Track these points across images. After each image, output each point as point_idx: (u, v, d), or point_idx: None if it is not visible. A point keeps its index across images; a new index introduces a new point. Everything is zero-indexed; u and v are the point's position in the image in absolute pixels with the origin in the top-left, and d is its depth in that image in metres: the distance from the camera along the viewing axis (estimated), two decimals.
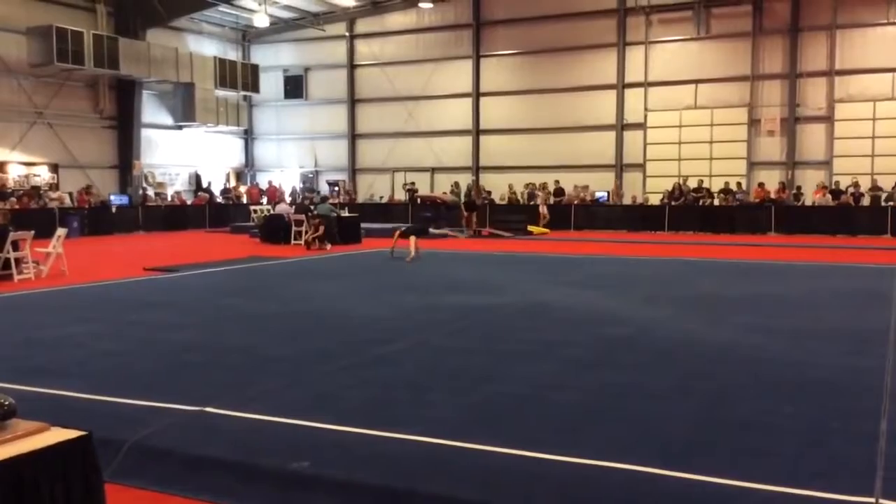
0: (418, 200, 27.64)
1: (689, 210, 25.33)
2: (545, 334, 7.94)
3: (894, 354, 6.85)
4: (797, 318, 8.88)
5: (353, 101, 33.70)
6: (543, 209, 26.29)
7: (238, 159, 35.93)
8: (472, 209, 24.73)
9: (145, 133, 30.00)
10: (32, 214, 22.55)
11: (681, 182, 26.41)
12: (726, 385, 5.88)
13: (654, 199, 26.70)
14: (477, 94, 31.13)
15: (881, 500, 3.72)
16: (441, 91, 31.65)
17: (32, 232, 13.64)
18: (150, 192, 29.46)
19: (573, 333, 7.98)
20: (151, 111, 30.67)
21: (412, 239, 15.64)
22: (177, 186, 31.69)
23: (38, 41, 25.03)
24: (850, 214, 23.45)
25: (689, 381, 6.02)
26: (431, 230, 15.86)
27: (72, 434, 3.24)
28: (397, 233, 16.36)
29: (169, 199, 29.58)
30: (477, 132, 31.32)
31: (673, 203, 25.65)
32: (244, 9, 31.47)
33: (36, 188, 25.70)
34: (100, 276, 12.98)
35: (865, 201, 24.30)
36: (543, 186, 27.99)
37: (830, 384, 5.90)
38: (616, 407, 5.31)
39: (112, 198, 26.85)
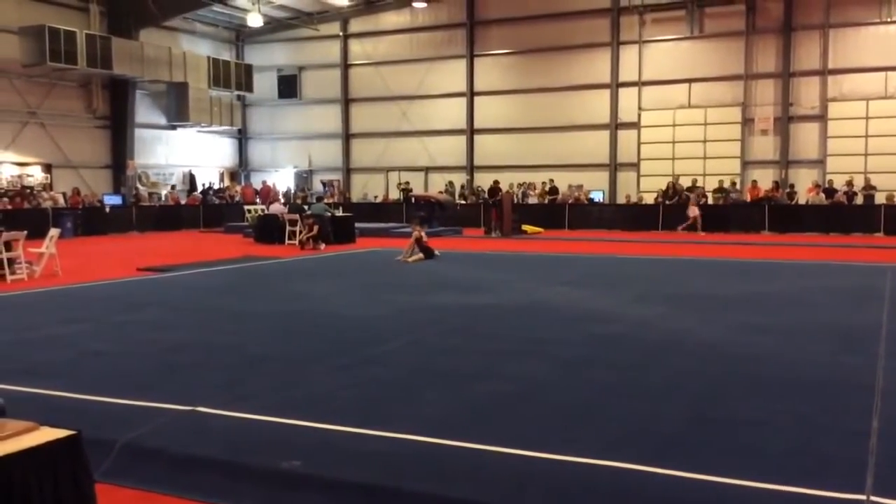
0: (412, 200, 27.66)
1: (682, 209, 25.33)
2: (537, 333, 7.95)
3: (886, 352, 6.88)
4: (789, 316, 8.91)
5: (346, 101, 33.69)
6: (694, 210, 23.58)
7: (232, 159, 35.88)
8: (497, 206, 23.72)
9: (139, 133, 29.94)
10: (25, 214, 22.48)
11: (674, 181, 26.44)
12: (717, 383, 5.90)
13: (648, 199, 26.72)
14: (471, 94, 31.15)
15: (872, 498, 3.73)
16: (435, 90, 31.65)
17: (25, 232, 13.60)
18: (144, 191, 29.37)
19: (565, 332, 7.99)
20: (145, 111, 30.61)
21: (420, 254, 15.51)
22: (170, 187, 31.63)
23: (30, 41, 24.94)
24: (843, 213, 23.51)
25: (680, 378, 6.03)
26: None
27: (61, 433, 3.23)
28: (417, 233, 15.84)
29: (163, 199, 29.53)
30: (471, 131, 31.34)
31: (667, 202, 25.67)
32: (238, 8, 31.42)
33: (28, 188, 25.61)
34: (93, 277, 12.95)
35: (859, 200, 24.37)
36: (695, 185, 25.37)
37: (822, 382, 5.92)
38: (607, 405, 5.32)
39: (105, 198, 26.77)
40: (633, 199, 27.09)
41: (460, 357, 6.85)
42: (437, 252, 16.05)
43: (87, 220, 24.54)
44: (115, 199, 26.99)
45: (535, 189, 28.28)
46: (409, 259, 15.33)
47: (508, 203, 23.88)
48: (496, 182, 27.08)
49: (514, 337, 7.75)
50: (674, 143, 27.77)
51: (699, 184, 26.38)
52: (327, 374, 6.25)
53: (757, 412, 5.11)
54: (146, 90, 30.52)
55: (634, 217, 25.60)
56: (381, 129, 32.87)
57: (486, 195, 27.40)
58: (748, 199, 25.42)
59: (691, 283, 12.06)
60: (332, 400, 5.45)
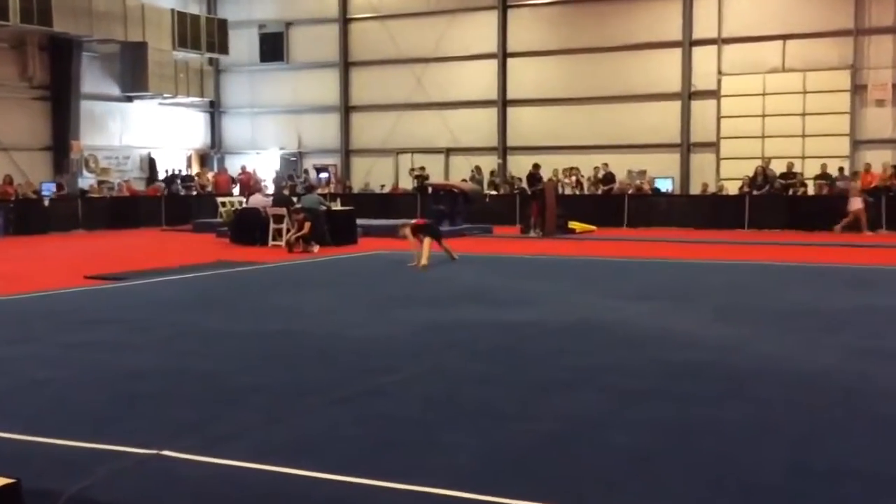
0: (430, 190, 27.70)
1: (774, 201, 25.19)
2: (590, 359, 7.97)
3: None
4: None
5: (346, 65, 33.83)
6: (857, 203, 23.20)
7: (202, 139, 36.14)
8: (538, 198, 23.90)
9: (86, 106, 30.22)
10: None
11: (764, 166, 26.29)
12: (823, 424, 5.88)
13: (731, 188, 26.60)
14: (503, 55, 31.16)
15: None
16: (458, 51, 31.71)
17: None
18: (91, 181, 29.62)
19: (626, 358, 8.01)
20: (93, 79, 30.89)
21: (426, 240, 15.59)
22: (127, 173, 31.85)
23: None
24: None
25: (774, 417, 6.03)
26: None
27: None
28: (408, 228, 16.06)
29: (115, 189, 29.79)
30: (503, 103, 31.35)
31: (755, 192, 25.53)
32: None
33: None
34: (30, 287, 13.10)
35: None
36: (856, 175, 25.04)
37: None
38: (679, 451, 5.32)
39: (44, 187, 27.05)
40: (712, 189, 26.96)
41: (492, 389, 6.87)
42: (455, 256, 16.08)
43: (21, 215, 24.84)
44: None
45: (571, 176, 28.14)
46: (424, 262, 15.36)
47: (552, 194, 23.87)
48: (536, 167, 27.06)
49: (561, 364, 7.76)
50: (763, 116, 27.60)
51: (796, 168, 26.22)
52: (324, 409, 6.29)
53: (871, 462, 5.08)
54: (95, 52, 30.81)
55: (713, 211, 25.54)
56: (389, 100, 32.97)
57: (525, 184, 27.38)
58: (860, 189, 25.19)
59: (788, 295, 12.01)
60: (331, 442, 5.49)
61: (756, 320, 9.89)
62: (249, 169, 33.36)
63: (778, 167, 26.30)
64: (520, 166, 30.09)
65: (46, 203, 26.03)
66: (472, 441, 5.51)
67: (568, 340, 8.96)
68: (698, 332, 9.22)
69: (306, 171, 33.50)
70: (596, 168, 28.45)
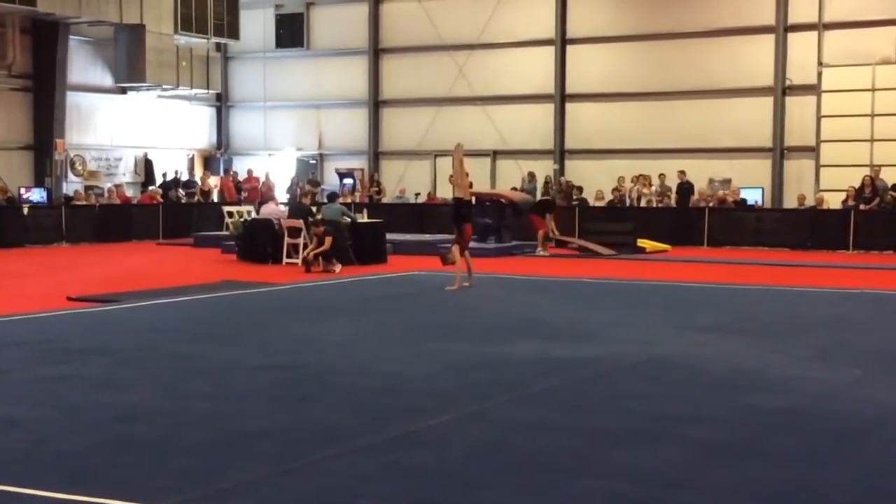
0: (473, 200, 27.68)
1: (886, 218, 24.89)
2: (663, 405, 7.91)
3: None
4: None
5: (376, 53, 33.97)
6: None
7: (207, 138, 36.40)
8: (549, 210, 24.39)
9: (72, 98, 30.54)
10: None
11: (873, 175, 26.01)
12: None
13: (833, 201, 26.32)
14: (562, 42, 31.13)
15: None
16: (508, 37, 31.73)
17: None
18: (77, 185, 29.93)
19: (707, 404, 7.96)
20: (82, 67, 31.22)
21: (466, 253, 15.59)
22: (118, 177, 32.13)
23: None
24: None
25: (886, 481, 5.94)
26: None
27: None
28: (457, 249, 15.92)
29: (105, 195, 30.08)
30: (561, 98, 31.30)
31: (862, 207, 25.27)
32: None
33: None
34: (2, 309, 13.23)
35: None
36: None
37: None
38: None
39: (24, 194, 27.35)
40: (810, 202, 26.69)
41: (547, 439, 6.84)
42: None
43: None
44: (39, 196, 27.56)
45: (650, 185, 27.99)
46: (466, 284, 15.38)
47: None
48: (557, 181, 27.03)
49: (627, 410, 7.71)
50: (872, 116, 27.28)
51: None
52: (346, 460, 6.28)
53: None
54: (84, 36, 31.17)
55: (811, 229, 25.29)
56: (426, 93, 33.04)
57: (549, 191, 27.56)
58: None
59: None
60: (355, 499, 5.49)
61: (864, 361, 9.79)
62: (261, 174, 33.46)
63: (889, 177, 25.99)
64: (579, 172, 30.06)
65: (25, 211, 26.28)
66: (523, 501, 5.49)
67: (637, 382, 8.90)
68: (795, 374, 9.12)
69: (313, 174, 33.55)
70: (661, 175, 28.23)
